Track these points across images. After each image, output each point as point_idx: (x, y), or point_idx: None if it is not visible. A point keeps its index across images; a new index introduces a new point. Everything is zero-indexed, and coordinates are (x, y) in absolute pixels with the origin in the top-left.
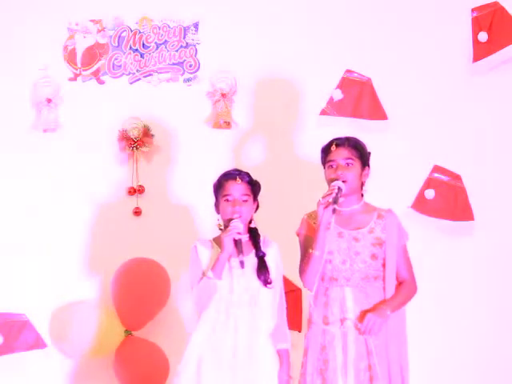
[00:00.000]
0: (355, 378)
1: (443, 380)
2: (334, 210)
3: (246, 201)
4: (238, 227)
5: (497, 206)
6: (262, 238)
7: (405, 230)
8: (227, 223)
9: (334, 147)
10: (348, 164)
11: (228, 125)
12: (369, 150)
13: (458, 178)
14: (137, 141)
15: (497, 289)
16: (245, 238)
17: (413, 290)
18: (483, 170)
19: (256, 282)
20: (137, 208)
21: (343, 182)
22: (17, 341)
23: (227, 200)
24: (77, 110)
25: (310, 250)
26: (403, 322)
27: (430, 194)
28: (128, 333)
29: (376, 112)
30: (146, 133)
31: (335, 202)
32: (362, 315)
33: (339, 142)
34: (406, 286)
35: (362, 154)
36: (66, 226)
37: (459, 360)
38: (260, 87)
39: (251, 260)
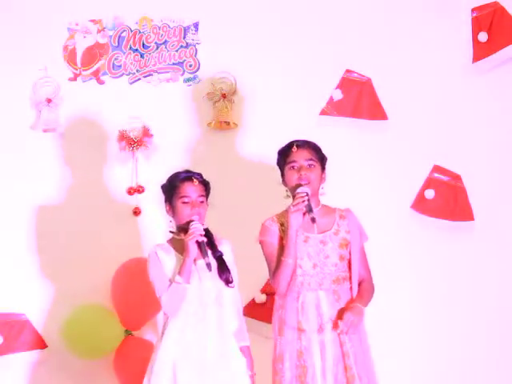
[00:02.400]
0: (334, 381)
1: (443, 380)
2: (314, 219)
3: (202, 202)
4: (200, 229)
5: (497, 206)
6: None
7: (363, 229)
8: (185, 225)
9: (295, 148)
10: (310, 165)
11: (228, 125)
12: (325, 155)
13: (457, 178)
14: (137, 141)
15: (497, 289)
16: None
17: (373, 289)
18: (483, 170)
19: (218, 283)
20: (136, 208)
21: (307, 183)
22: (17, 341)
23: (184, 202)
24: (77, 110)
25: (282, 258)
26: (363, 323)
27: (429, 194)
28: (128, 333)
29: (376, 112)
30: (146, 133)
31: (310, 209)
32: (340, 314)
33: (300, 143)
34: (367, 285)
35: (321, 156)
36: (66, 226)
37: (459, 359)
38: (260, 87)
39: (211, 261)
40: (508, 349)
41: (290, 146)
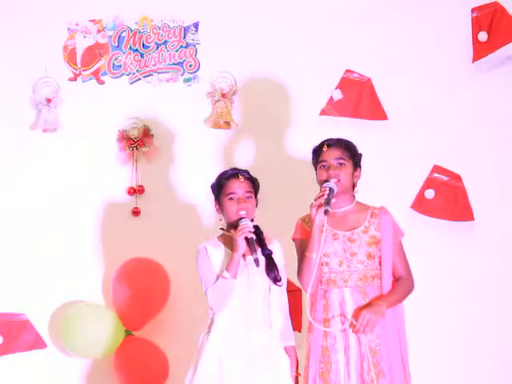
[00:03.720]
0: (358, 378)
1: (444, 380)
2: (327, 212)
3: (249, 198)
4: (249, 225)
5: (497, 206)
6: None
7: (399, 226)
8: (234, 222)
9: (325, 148)
10: (340, 164)
11: (228, 125)
12: (360, 152)
13: (457, 178)
14: (137, 141)
15: (497, 289)
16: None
17: (410, 287)
18: (483, 170)
19: (266, 281)
20: (135, 208)
21: (336, 181)
22: (17, 341)
23: (231, 199)
24: (77, 110)
25: (306, 253)
26: (402, 318)
27: (429, 194)
28: (128, 333)
29: (376, 112)
30: (146, 133)
31: (327, 203)
32: (357, 312)
33: (331, 143)
34: (402, 283)
35: (353, 154)
36: (66, 226)
37: (459, 359)
38: (260, 87)
39: (260, 258)
40: (508, 349)
41: (321, 145)
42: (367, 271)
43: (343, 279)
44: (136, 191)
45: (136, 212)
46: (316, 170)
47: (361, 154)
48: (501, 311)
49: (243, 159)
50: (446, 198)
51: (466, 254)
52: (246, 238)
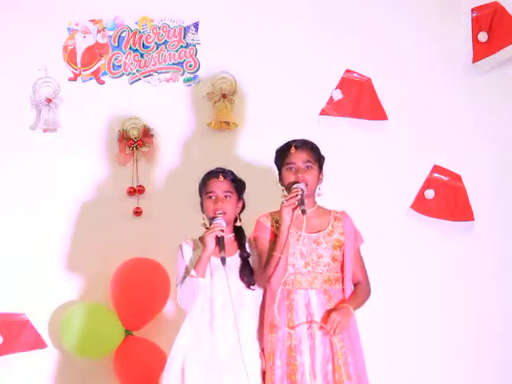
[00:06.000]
0: (323, 380)
1: (437, 380)
2: (304, 211)
3: (228, 197)
4: (221, 225)
5: (497, 206)
6: (247, 239)
7: (359, 232)
8: (211, 221)
9: (293, 149)
10: (307, 167)
11: (228, 125)
12: (323, 155)
13: (457, 178)
14: (137, 141)
15: (497, 289)
16: (229, 236)
17: (368, 292)
18: (483, 170)
19: (239, 283)
20: (137, 208)
21: (305, 185)
22: (17, 341)
23: (210, 197)
24: (77, 110)
25: (273, 253)
26: (355, 322)
27: (429, 194)
28: (128, 333)
29: (376, 112)
30: (146, 133)
31: (302, 203)
32: (327, 316)
33: (298, 145)
34: (362, 288)
35: (319, 157)
36: (66, 226)
37: (459, 359)
38: (260, 87)
39: (236, 260)
40: (508, 349)
41: (288, 147)
42: (331, 274)
43: (309, 281)
44: (136, 191)
45: (138, 212)
46: (280, 170)
47: (324, 158)
48: (501, 311)
49: (243, 159)
50: (445, 197)
51: (466, 254)
52: (217, 237)
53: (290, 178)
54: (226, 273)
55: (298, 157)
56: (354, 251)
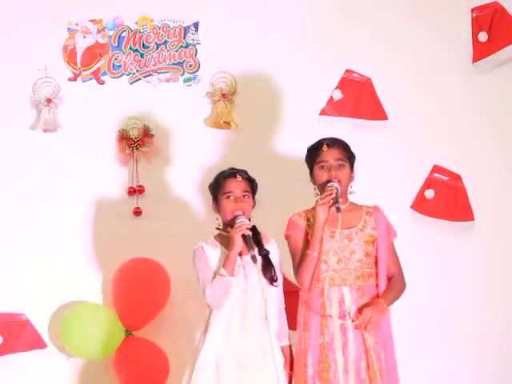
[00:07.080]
0: (356, 377)
1: (443, 379)
2: (339, 209)
3: (246, 197)
4: (246, 223)
5: (497, 206)
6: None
7: (392, 226)
8: (230, 221)
9: (325, 147)
10: (340, 165)
11: (228, 125)
12: (354, 153)
13: (457, 178)
14: (137, 141)
15: (497, 289)
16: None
17: (403, 285)
18: (483, 170)
19: (263, 281)
20: (137, 208)
21: (338, 182)
22: (17, 341)
23: (228, 197)
24: (77, 109)
25: (308, 252)
26: (389, 319)
27: (429, 194)
28: (128, 333)
29: (376, 112)
30: (146, 133)
31: (337, 201)
32: (360, 311)
33: (330, 143)
34: (396, 281)
35: (350, 155)
36: (66, 226)
37: (459, 359)
38: (259, 87)
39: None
40: (508, 348)
41: (319, 145)
42: (364, 270)
43: (342, 277)
44: (136, 191)
45: (137, 212)
46: (312, 169)
47: (355, 156)
48: (501, 311)
49: (243, 159)
50: (446, 198)
51: (466, 254)
52: (243, 236)
53: (322, 176)
54: (248, 271)
55: (330, 155)
56: (387, 245)
